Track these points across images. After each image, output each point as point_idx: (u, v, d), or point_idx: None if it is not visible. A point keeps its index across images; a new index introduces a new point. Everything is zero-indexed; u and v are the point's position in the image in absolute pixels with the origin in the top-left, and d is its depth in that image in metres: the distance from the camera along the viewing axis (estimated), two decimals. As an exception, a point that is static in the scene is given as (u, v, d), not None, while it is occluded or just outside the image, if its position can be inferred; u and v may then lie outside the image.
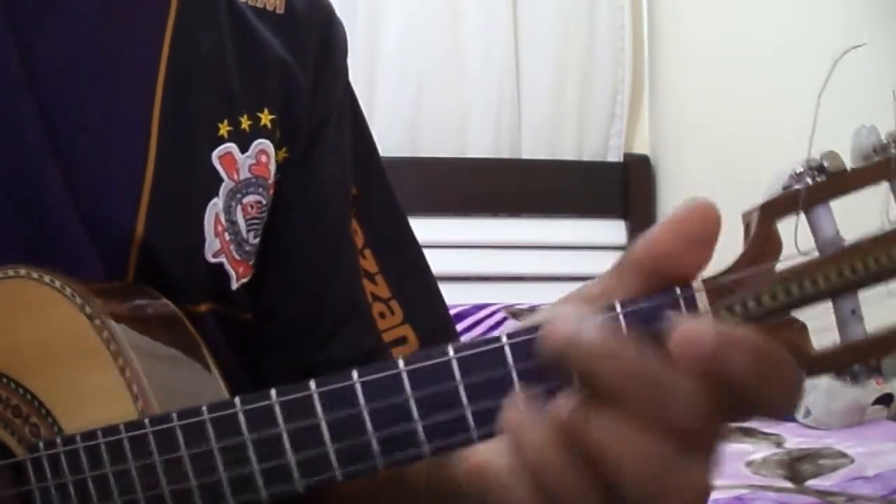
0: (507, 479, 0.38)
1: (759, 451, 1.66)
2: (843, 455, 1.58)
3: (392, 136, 2.40)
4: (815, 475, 1.52)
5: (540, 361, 0.37)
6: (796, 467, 1.56)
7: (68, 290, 0.52)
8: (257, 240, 0.64)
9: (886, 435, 1.68)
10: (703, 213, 0.37)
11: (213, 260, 0.61)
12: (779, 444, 1.70)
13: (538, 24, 2.52)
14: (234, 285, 0.63)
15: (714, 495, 1.42)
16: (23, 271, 0.53)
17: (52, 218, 0.57)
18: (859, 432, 1.72)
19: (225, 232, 0.62)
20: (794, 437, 1.72)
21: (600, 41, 2.56)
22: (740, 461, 1.61)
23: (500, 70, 2.49)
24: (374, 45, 2.44)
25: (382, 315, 0.69)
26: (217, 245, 0.61)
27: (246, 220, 0.63)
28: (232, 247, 0.62)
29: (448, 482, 0.51)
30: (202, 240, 0.61)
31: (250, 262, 0.64)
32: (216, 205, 0.61)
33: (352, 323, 0.68)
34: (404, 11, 2.46)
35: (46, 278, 0.52)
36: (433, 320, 0.71)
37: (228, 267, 0.62)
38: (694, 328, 0.35)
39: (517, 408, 0.38)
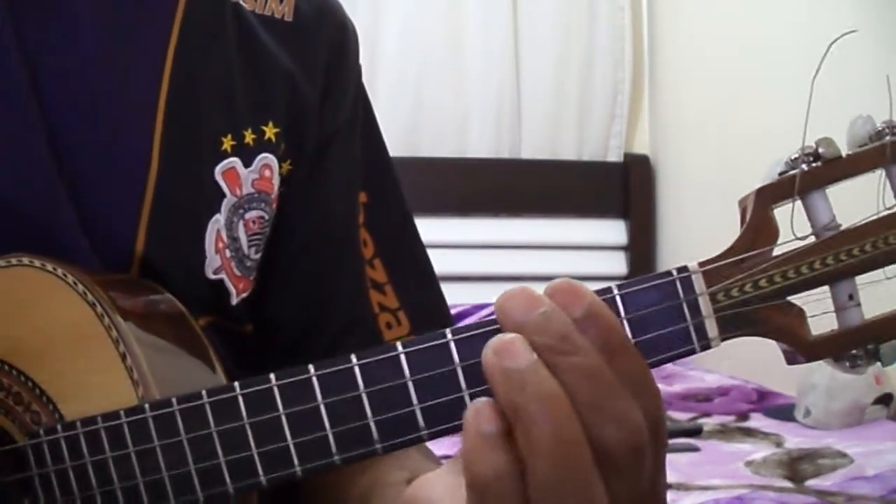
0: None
1: (759, 450, 1.66)
2: (843, 455, 1.58)
3: (392, 136, 2.39)
4: (814, 475, 1.52)
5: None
6: (796, 467, 1.56)
7: (70, 279, 0.52)
8: (258, 255, 0.64)
9: (886, 435, 1.68)
10: None
11: (213, 277, 0.61)
12: (778, 444, 1.70)
13: (538, 24, 2.53)
14: (234, 301, 0.63)
15: (714, 495, 1.42)
16: (25, 259, 0.53)
17: (57, 232, 0.56)
18: (859, 432, 1.72)
19: (226, 248, 0.61)
20: (794, 437, 1.72)
21: (600, 41, 2.56)
22: (740, 461, 1.61)
23: (500, 70, 2.49)
24: (373, 45, 2.44)
25: (389, 326, 0.69)
26: (217, 262, 0.61)
27: (248, 236, 0.63)
28: (233, 263, 0.62)
29: None
30: (202, 257, 0.60)
31: (251, 278, 0.64)
32: (218, 221, 0.61)
33: (357, 334, 0.68)
34: (404, 11, 2.46)
35: (49, 266, 0.52)
36: None
37: (229, 283, 0.62)
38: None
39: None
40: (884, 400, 1.80)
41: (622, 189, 2.57)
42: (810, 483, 1.48)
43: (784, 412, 1.88)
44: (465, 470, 0.37)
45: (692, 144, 2.46)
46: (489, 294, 2.22)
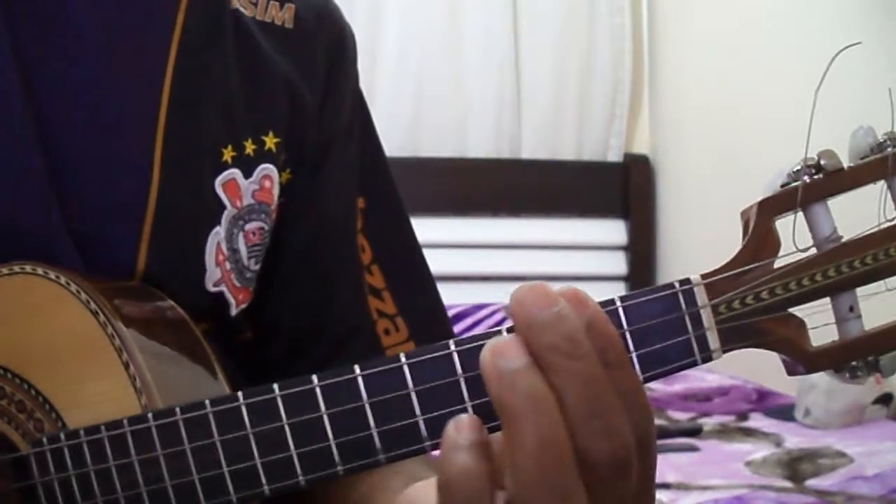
0: None
1: (759, 450, 1.67)
2: (843, 455, 1.59)
3: (392, 136, 2.40)
4: (814, 475, 1.53)
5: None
6: (796, 467, 1.57)
7: (73, 287, 0.52)
8: (258, 266, 0.64)
9: (886, 434, 1.69)
10: None
11: (213, 289, 0.61)
12: (778, 444, 1.70)
13: (538, 24, 2.53)
14: (234, 311, 0.63)
15: (714, 495, 1.42)
16: (28, 267, 0.53)
17: (53, 249, 0.56)
18: (858, 432, 1.73)
19: (226, 261, 0.61)
20: (794, 437, 1.73)
21: (600, 41, 2.57)
22: (740, 461, 1.61)
23: (500, 70, 2.50)
24: (373, 45, 2.44)
25: (387, 332, 0.69)
26: (218, 274, 0.61)
27: (248, 248, 0.62)
28: (233, 275, 0.62)
29: None
30: (203, 270, 0.60)
31: (250, 289, 0.63)
32: (218, 233, 0.61)
33: (356, 340, 0.68)
34: (404, 11, 2.46)
35: (52, 274, 0.52)
36: (437, 339, 0.71)
37: (228, 295, 0.62)
38: None
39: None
40: (884, 400, 1.80)
41: (622, 189, 2.58)
42: (810, 483, 1.49)
43: (784, 412, 1.89)
44: (440, 473, 0.38)
45: (692, 144, 2.47)
46: (489, 294, 2.22)
